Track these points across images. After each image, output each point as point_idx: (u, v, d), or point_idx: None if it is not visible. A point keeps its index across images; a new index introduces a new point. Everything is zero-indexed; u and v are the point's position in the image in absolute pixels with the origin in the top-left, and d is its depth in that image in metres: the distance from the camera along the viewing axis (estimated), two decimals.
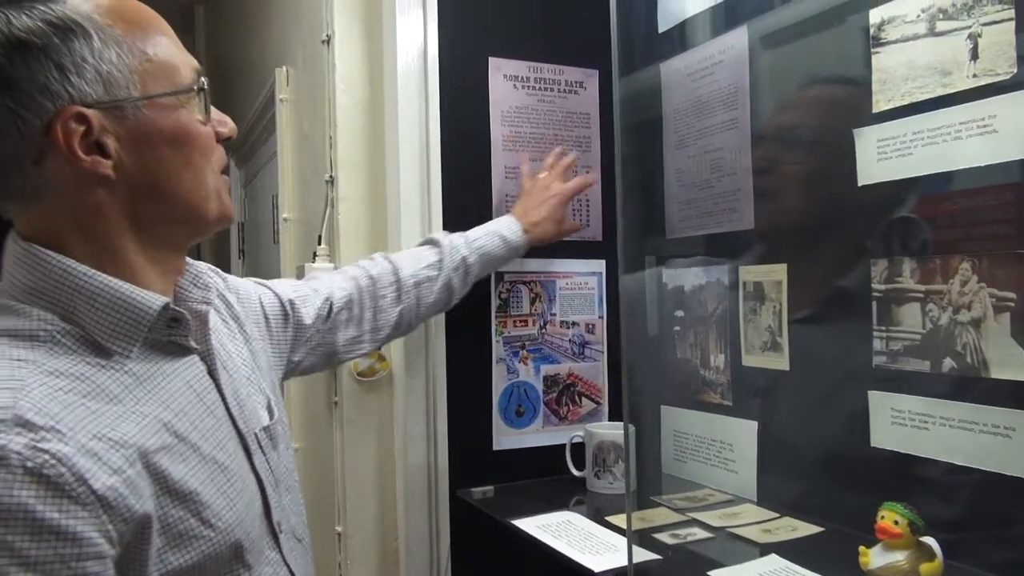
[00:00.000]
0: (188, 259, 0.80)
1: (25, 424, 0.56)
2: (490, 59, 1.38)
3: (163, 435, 0.65)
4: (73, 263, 0.66)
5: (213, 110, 0.74)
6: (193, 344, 0.74)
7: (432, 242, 1.23)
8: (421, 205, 1.32)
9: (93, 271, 0.66)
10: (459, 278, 1.22)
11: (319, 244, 1.44)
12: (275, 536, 0.78)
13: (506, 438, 1.40)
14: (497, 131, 1.39)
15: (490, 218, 1.37)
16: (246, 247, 2.67)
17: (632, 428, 1.31)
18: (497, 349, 1.39)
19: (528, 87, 1.42)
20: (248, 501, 0.73)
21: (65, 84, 0.63)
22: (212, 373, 0.76)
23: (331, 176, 1.43)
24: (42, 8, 0.63)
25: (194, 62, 0.72)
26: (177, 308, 0.72)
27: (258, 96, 2.10)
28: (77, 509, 0.56)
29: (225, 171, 0.77)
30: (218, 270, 0.94)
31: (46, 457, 0.56)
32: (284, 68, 1.83)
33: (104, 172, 0.66)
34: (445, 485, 1.33)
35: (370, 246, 1.42)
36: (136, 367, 0.67)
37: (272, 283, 1.04)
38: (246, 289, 0.97)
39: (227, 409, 0.76)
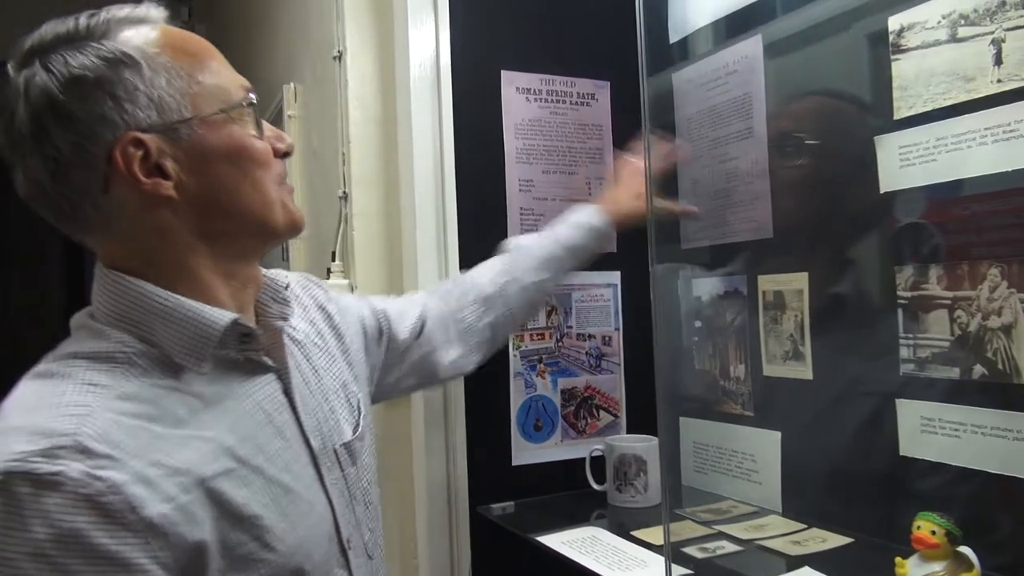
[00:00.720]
0: (271, 271, 0.82)
1: (85, 451, 0.59)
2: (502, 72, 1.38)
3: (224, 460, 0.67)
4: (147, 285, 0.69)
5: (268, 126, 0.76)
6: (268, 361, 0.76)
7: (509, 247, 1.21)
8: (436, 219, 1.32)
9: (166, 292, 0.69)
10: (550, 272, 1.18)
11: (333, 261, 1.43)
12: (344, 553, 0.78)
13: (525, 453, 1.38)
14: (511, 144, 1.39)
15: (505, 232, 1.37)
16: None
17: (654, 440, 1.30)
18: (514, 363, 1.38)
19: (540, 100, 1.42)
20: (313, 523, 0.74)
21: (121, 113, 0.66)
22: (287, 391, 0.77)
23: (344, 192, 1.42)
24: (95, 45, 0.66)
25: (243, 80, 0.74)
26: (247, 324, 0.73)
27: (265, 113, 2.10)
28: (128, 536, 0.58)
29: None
30: (316, 280, 0.96)
31: (100, 485, 0.58)
32: (292, 85, 1.83)
33: (166, 193, 0.68)
34: (464, 501, 1.32)
35: (385, 262, 1.41)
36: (207, 389, 0.69)
37: (369, 297, 1.06)
38: (347, 301, 0.98)
39: (300, 428, 0.77)
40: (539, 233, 1.23)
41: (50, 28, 0.67)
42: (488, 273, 1.16)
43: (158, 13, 0.73)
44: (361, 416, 0.87)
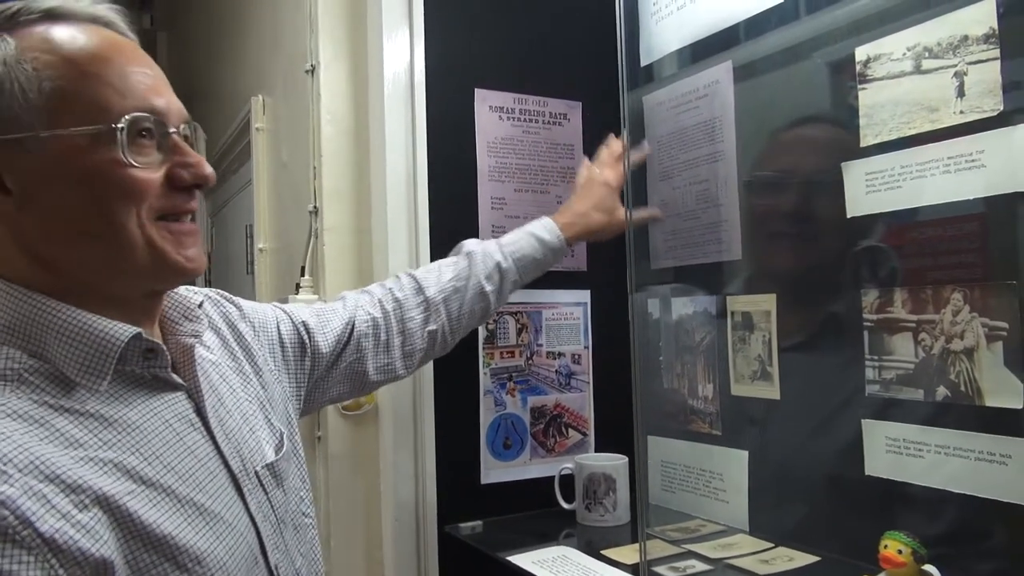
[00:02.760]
0: (182, 288, 0.78)
1: None
2: (476, 90, 1.39)
3: (126, 481, 0.63)
4: (44, 298, 0.65)
5: (181, 152, 0.69)
6: (176, 379, 0.72)
7: (461, 250, 1.17)
8: (408, 235, 1.31)
9: (62, 305, 0.65)
10: (494, 285, 1.15)
11: (302, 275, 1.42)
12: None
13: (494, 471, 1.38)
14: (483, 161, 1.39)
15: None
16: (212, 277, 2.62)
17: (624, 459, 1.30)
18: (484, 381, 1.38)
19: (513, 118, 1.42)
20: (233, 544, 0.70)
21: None
22: (200, 411, 0.73)
23: (315, 206, 1.41)
24: None
25: (153, 100, 0.67)
26: (151, 339, 0.69)
27: (230, 125, 2.07)
28: (21, 553, 0.55)
29: (190, 218, 0.71)
30: (231, 296, 0.92)
31: None
32: (260, 97, 1.81)
33: (6, 210, 0.64)
34: (433, 521, 1.30)
35: (356, 277, 1.40)
36: (105, 409, 0.65)
37: (290, 308, 1.01)
38: (264, 316, 0.94)
39: (216, 447, 0.73)
40: (496, 241, 1.18)
41: None
42: (437, 279, 1.12)
43: (87, 9, 0.68)
44: (284, 437, 0.83)
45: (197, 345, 0.76)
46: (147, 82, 0.67)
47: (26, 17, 0.65)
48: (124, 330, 0.66)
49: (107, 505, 0.60)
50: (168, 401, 0.70)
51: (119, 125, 0.64)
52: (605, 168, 1.27)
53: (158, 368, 0.70)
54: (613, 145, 1.30)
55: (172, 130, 0.68)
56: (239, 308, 0.91)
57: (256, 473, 0.76)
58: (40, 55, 0.64)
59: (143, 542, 0.62)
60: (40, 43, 0.64)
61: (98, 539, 0.58)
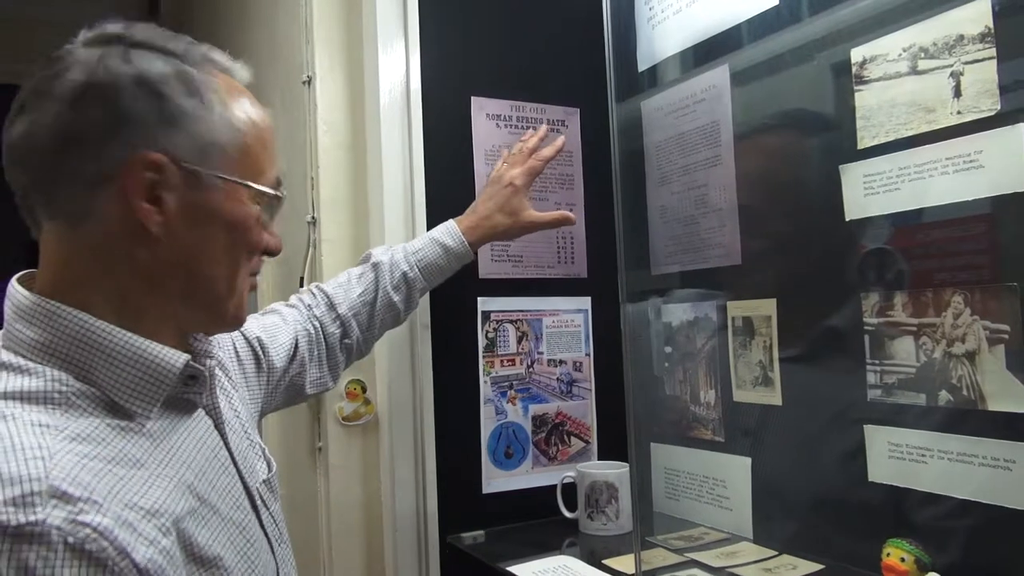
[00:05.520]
0: None
1: (61, 496, 0.53)
2: (472, 98, 1.38)
3: (189, 499, 0.63)
4: (91, 319, 0.63)
5: (272, 224, 0.74)
6: (202, 400, 0.73)
7: (368, 260, 1.18)
8: None
9: (112, 327, 0.64)
10: (402, 296, 1.16)
11: (301, 286, 1.41)
12: None
13: (496, 480, 1.37)
14: (481, 170, 1.39)
15: (476, 259, 1.36)
16: None
17: (626, 467, 1.29)
18: (485, 390, 1.37)
19: (511, 126, 1.42)
20: (264, 563, 0.71)
21: (162, 131, 0.64)
22: (219, 428, 0.74)
23: (313, 217, 1.41)
24: (181, 64, 0.66)
25: (278, 173, 0.73)
26: (197, 365, 0.70)
27: None
28: None
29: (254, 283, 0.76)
30: None
31: (88, 531, 0.53)
32: None
33: (152, 226, 0.64)
34: (435, 531, 1.30)
35: None
36: (154, 426, 0.65)
37: None
38: (219, 337, 0.93)
39: (236, 465, 0.74)
40: (403, 247, 1.19)
41: (149, 30, 0.66)
42: (346, 294, 1.14)
43: (244, 74, 0.73)
44: (265, 450, 0.85)
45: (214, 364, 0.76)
46: (276, 153, 0.74)
47: (212, 59, 0.69)
48: (178, 357, 0.66)
49: (178, 527, 0.60)
50: (197, 419, 0.72)
51: (279, 193, 0.71)
52: (514, 166, 1.25)
53: (194, 393, 0.70)
54: (529, 141, 1.28)
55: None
56: None
57: (258, 489, 0.77)
58: (236, 111, 0.68)
59: (199, 564, 0.62)
60: (234, 98, 0.69)
61: (177, 564, 0.58)
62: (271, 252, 0.74)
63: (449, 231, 1.20)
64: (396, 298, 1.16)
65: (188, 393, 0.70)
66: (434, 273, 1.19)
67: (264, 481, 0.79)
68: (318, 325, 1.11)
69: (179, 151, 0.64)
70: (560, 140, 1.30)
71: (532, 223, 1.25)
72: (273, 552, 0.75)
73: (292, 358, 1.05)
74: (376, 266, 1.16)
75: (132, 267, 0.65)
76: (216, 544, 0.64)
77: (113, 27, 0.65)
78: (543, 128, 1.31)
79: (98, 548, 0.52)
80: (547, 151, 1.27)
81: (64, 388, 0.61)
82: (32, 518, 0.51)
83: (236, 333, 0.97)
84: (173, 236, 0.65)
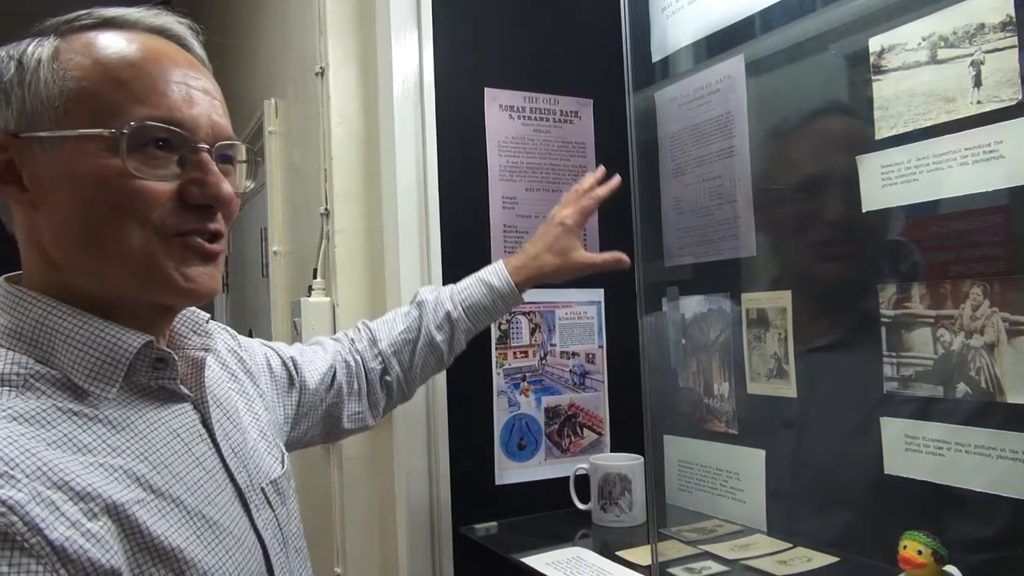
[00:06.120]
0: (188, 309, 0.76)
1: None
2: (486, 89, 1.38)
3: (136, 489, 0.61)
4: (52, 302, 0.64)
5: (202, 169, 0.65)
6: (184, 390, 0.70)
7: (415, 299, 1.15)
8: (419, 236, 1.31)
9: (71, 309, 0.64)
10: (445, 336, 1.11)
11: (315, 278, 1.42)
12: None
13: (508, 472, 1.37)
14: (494, 161, 1.38)
15: (487, 249, 1.36)
16: (230, 281, 2.63)
17: (639, 459, 1.29)
18: (498, 381, 1.37)
19: (524, 117, 1.42)
20: (242, 560, 0.68)
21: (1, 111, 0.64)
22: (206, 423, 0.71)
23: (326, 209, 1.41)
24: (39, 40, 0.65)
25: (174, 112, 0.64)
26: (162, 348, 0.67)
27: (244, 129, 2.08)
28: (30, 562, 0.52)
29: (211, 238, 0.67)
30: (230, 329, 0.92)
31: None
32: (273, 100, 1.82)
33: (24, 205, 0.65)
34: (448, 522, 1.30)
35: (367, 279, 1.40)
36: (113, 413, 0.63)
37: (276, 344, 1.01)
38: (253, 348, 0.94)
39: (223, 461, 0.71)
40: (450, 288, 1.15)
41: (55, 17, 0.66)
42: (389, 331, 1.11)
43: (138, 15, 0.67)
44: (284, 456, 0.83)
45: (208, 358, 0.75)
46: (180, 93, 0.65)
47: (83, 23, 0.66)
48: (135, 338, 0.65)
49: (116, 514, 0.58)
50: (175, 411, 0.69)
51: (124, 131, 0.62)
52: (567, 206, 1.19)
53: (167, 379, 0.68)
54: (584, 181, 1.21)
55: (202, 146, 0.65)
56: (234, 337, 0.91)
57: (263, 489, 0.75)
58: (74, 56, 0.63)
59: (151, 554, 0.60)
60: (80, 46, 0.64)
61: (108, 549, 0.56)
62: (198, 202, 0.65)
63: (496, 271, 1.15)
64: (439, 338, 1.11)
65: (161, 379, 0.68)
66: (479, 313, 1.14)
67: (272, 482, 0.76)
68: (359, 359, 1.08)
69: (11, 124, 0.64)
70: (616, 180, 1.22)
71: (582, 264, 1.18)
72: (267, 555, 0.72)
73: (329, 386, 1.03)
74: (420, 304, 1.13)
75: (40, 250, 0.66)
76: (175, 535, 0.61)
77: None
78: (600, 170, 1.23)
79: (6, 523, 0.52)
80: (602, 190, 1.21)
81: (22, 371, 0.61)
82: None
83: (270, 350, 0.97)
84: (47, 209, 0.64)
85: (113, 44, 0.65)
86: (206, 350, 0.74)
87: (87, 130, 0.62)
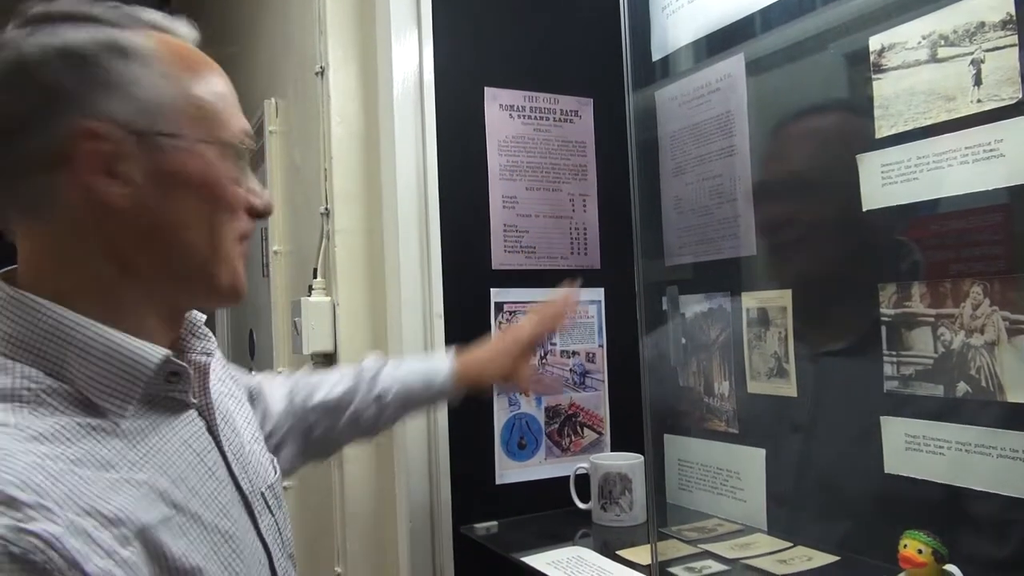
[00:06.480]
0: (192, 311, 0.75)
1: (8, 502, 0.49)
2: (486, 89, 1.38)
3: (161, 506, 0.59)
4: (65, 312, 0.60)
5: (253, 181, 0.70)
6: (191, 399, 0.69)
7: (359, 368, 1.10)
8: (419, 236, 1.31)
9: (86, 320, 0.60)
10: (372, 415, 1.06)
11: (315, 277, 1.42)
12: None
13: (509, 471, 1.37)
14: (494, 160, 1.38)
15: (489, 248, 1.36)
16: None
17: (639, 458, 1.29)
18: None
19: (524, 116, 1.41)
20: (253, 570, 0.67)
21: (97, 97, 0.60)
22: (211, 429, 0.70)
23: (326, 208, 1.41)
24: (105, 28, 0.62)
25: (245, 125, 0.69)
26: (178, 361, 0.66)
27: None
28: None
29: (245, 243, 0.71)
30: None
31: (34, 541, 0.49)
32: (273, 100, 1.82)
33: (118, 201, 0.61)
34: (448, 521, 1.30)
35: (368, 279, 1.40)
36: (129, 426, 0.61)
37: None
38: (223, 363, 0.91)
39: (229, 468, 0.70)
40: (393, 364, 1.10)
41: (75, 3, 0.63)
42: (328, 391, 1.06)
43: (186, 30, 0.68)
44: (274, 460, 0.82)
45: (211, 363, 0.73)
46: (238, 106, 0.70)
47: (146, 20, 0.66)
48: (154, 352, 0.63)
49: (144, 537, 0.56)
50: (184, 420, 0.67)
51: (242, 144, 0.67)
52: (529, 321, 1.17)
53: (179, 392, 0.66)
54: (552, 303, 1.18)
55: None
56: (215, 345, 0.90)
57: (263, 495, 0.74)
58: (173, 59, 0.65)
59: None
60: (167, 46, 0.65)
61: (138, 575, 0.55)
62: (259, 212, 0.70)
63: (440, 367, 1.11)
64: (366, 414, 1.07)
65: (173, 392, 0.66)
66: (410, 405, 1.10)
67: (269, 486, 0.75)
68: (299, 407, 1.05)
69: (123, 116, 0.61)
70: (575, 300, 1.22)
71: (523, 384, 1.16)
72: (272, 563, 0.71)
73: (284, 410, 1.01)
74: (359, 375, 1.09)
75: (105, 250, 0.62)
76: (195, 554, 0.60)
77: (39, 7, 0.63)
78: (572, 294, 1.20)
79: (44, 559, 0.49)
80: (566, 316, 1.19)
81: (33, 385, 0.58)
82: None
83: (233, 371, 0.92)
84: (143, 207, 0.62)
85: (201, 62, 0.67)
86: (208, 354, 0.72)
87: (209, 137, 0.65)
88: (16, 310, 0.60)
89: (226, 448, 0.71)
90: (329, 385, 1.08)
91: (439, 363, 1.12)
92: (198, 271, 0.66)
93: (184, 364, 0.66)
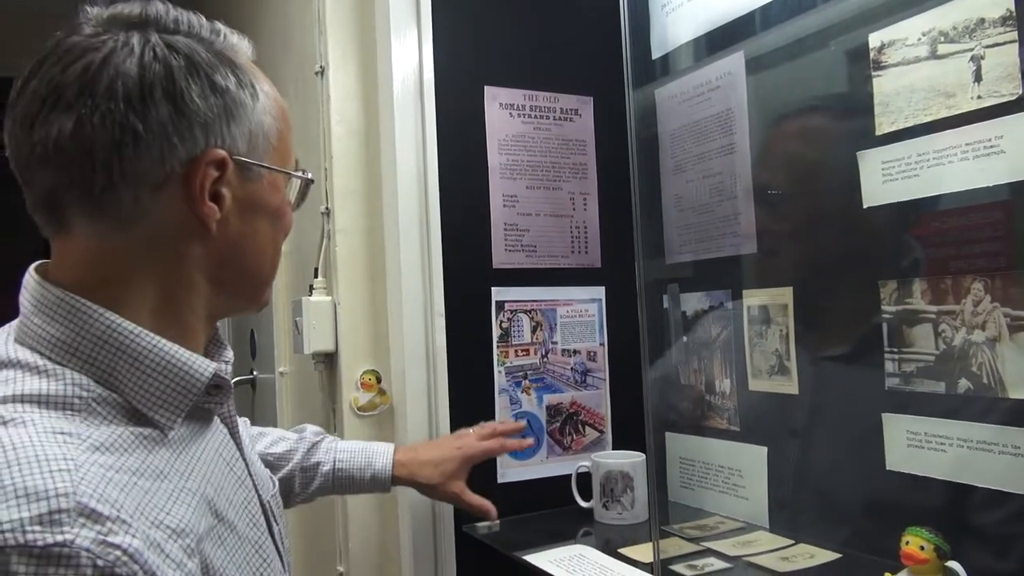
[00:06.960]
0: None
1: (90, 514, 0.49)
2: (486, 87, 1.38)
3: (209, 516, 0.59)
4: (119, 319, 0.58)
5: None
6: (225, 410, 0.70)
7: (301, 434, 1.12)
8: (420, 235, 1.31)
9: (141, 329, 0.59)
10: (303, 482, 1.08)
11: (316, 277, 1.42)
12: None
13: (511, 470, 1.37)
14: (494, 159, 1.38)
15: (489, 247, 1.36)
16: None
17: (641, 457, 1.29)
18: (499, 380, 1.37)
19: (524, 115, 1.41)
20: None
21: (227, 126, 0.62)
22: (234, 437, 0.71)
23: (327, 208, 1.41)
24: (215, 47, 0.64)
25: (295, 154, 0.73)
26: (223, 376, 0.66)
27: None
28: None
29: None
30: None
31: (118, 554, 0.49)
32: None
33: (210, 223, 0.62)
34: (450, 520, 1.30)
35: (368, 278, 1.40)
36: (173, 435, 0.61)
37: None
38: None
39: (251, 476, 0.71)
40: (334, 444, 1.12)
41: (161, 7, 0.62)
42: (269, 446, 1.08)
43: (250, 50, 0.70)
44: (269, 472, 0.83)
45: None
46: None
47: (231, 42, 0.67)
48: (207, 366, 0.62)
49: (199, 548, 0.56)
50: (213, 428, 0.68)
51: (309, 176, 0.73)
52: (480, 436, 1.20)
53: (215, 403, 0.67)
54: (503, 424, 1.25)
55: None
56: None
57: (268, 503, 0.74)
58: (268, 90, 0.67)
59: None
60: (264, 80, 0.68)
61: None
62: (288, 229, 0.74)
63: (383, 459, 1.12)
64: (298, 478, 1.08)
65: (211, 403, 0.66)
66: (345, 484, 1.11)
67: (273, 495, 0.76)
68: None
69: (235, 145, 0.63)
70: (528, 442, 1.31)
71: (456, 497, 1.16)
72: (285, 569, 0.72)
73: None
74: (300, 438, 1.11)
75: (181, 265, 0.62)
76: (231, 566, 0.60)
77: (128, 8, 0.61)
78: (520, 425, 1.29)
79: (128, 572, 0.49)
80: (512, 443, 1.25)
81: (84, 394, 0.56)
82: (60, 538, 0.47)
83: None
84: (225, 231, 0.63)
85: (272, 87, 0.69)
86: (228, 362, 0.72)
87: (283, 167, 0.69)
88: (67, 313, 0.58)
89: (247, 456, 0.72)
90: (271, 439, 1.09)
91: (380, 451, 1.13)
92: (256, 290, 0.71)
93: (226, 378, 0.67)
